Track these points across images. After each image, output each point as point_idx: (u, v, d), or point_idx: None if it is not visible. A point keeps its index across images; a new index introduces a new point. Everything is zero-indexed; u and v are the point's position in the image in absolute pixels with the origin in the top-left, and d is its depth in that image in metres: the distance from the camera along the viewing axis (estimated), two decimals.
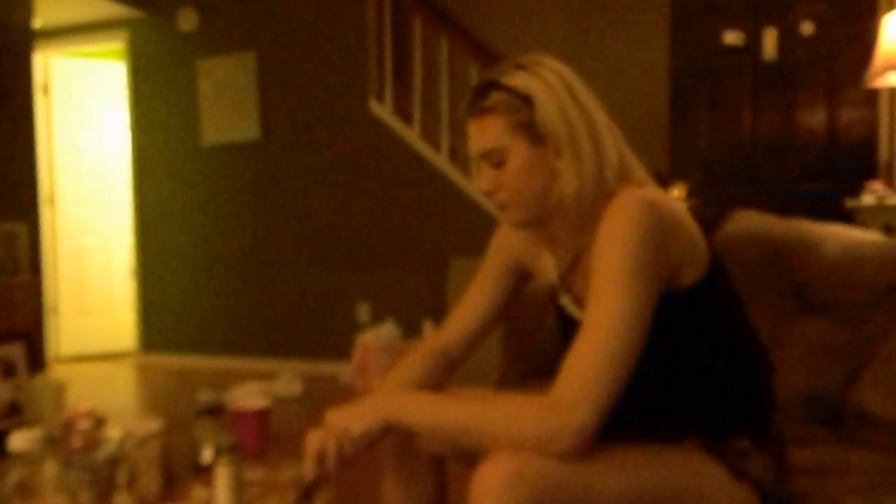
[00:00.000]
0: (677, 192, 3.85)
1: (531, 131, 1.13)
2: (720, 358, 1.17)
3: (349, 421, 1.14)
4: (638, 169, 1.19)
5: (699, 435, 1.15)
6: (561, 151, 1.13)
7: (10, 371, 3.39)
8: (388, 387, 1.35)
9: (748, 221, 2.01)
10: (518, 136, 1.13)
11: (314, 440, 1.15)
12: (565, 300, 1.29)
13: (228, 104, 4.83)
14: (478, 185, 1.20)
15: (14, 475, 0.93)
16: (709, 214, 2.12)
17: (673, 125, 4.11)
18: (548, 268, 1.32)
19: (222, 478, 0.87)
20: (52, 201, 5.29)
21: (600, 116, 1.16)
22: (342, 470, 1.13)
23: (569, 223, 1.19)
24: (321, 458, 1.14)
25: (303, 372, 4.47)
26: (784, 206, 2.69)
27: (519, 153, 1.14)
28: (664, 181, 3.72)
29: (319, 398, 4.00)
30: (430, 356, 1.39)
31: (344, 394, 3.98)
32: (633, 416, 1.10)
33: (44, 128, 5.20)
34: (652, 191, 1.12)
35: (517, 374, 1.88)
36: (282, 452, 1.45)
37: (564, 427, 0.98)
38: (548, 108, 1.12)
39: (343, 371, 4.21)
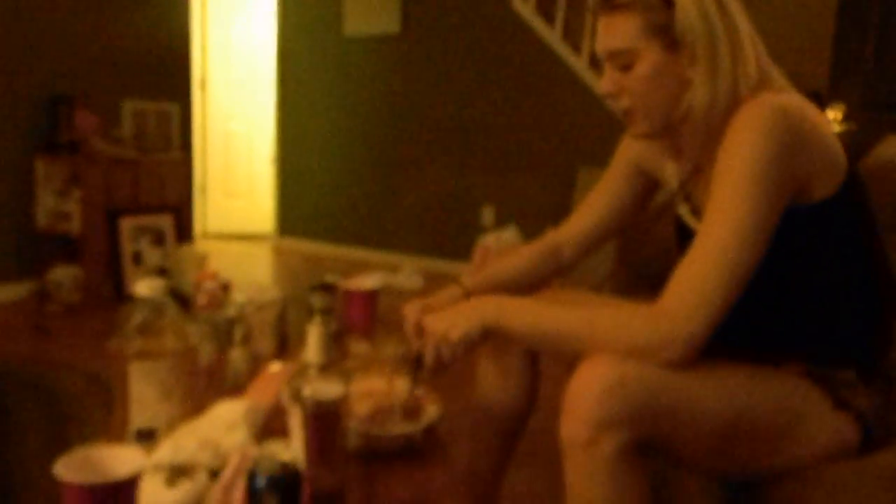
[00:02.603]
0: (833, 115, 3.55)
1: (666, 35, 1.05)
2: (840, 284, 1.10)
3: (448, 326, 1.11)
4: (778, 79, 1.10)
5: (804, 360, 1.10)
6: (696, 61, 1.05)
7: (159, 240, 3.71)
8: (489, 275, 1.36)
9: None
10: (651, 39, 1.06)
11: (410, 313, 1.18)
12: (683, 210, 1.24)
13: None
14: (601, 85, 1.15)
15: (138, 316, 1.03)
16: (862, 139, 1.95)
17: (838, 40, 3.74)
18: (670, 175, 1.27)
19: (313, 335, 0.94)
20: (203, 86, 5.59)
21: (744, 25, 1.06)
22: (440, 372, 1.13)
23: (695, 133, 1.12)
24: (419, 330, 1.16)
25: (425, 268, 4.60)
26: None
27: (649, 58, 1.06)
28: (820, 101, 3.43)
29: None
30: (544, 251, 1.39)
31: None
32: (739, 334, 1.07)
33: (198, 14, 5.45)
34: (788, 97, 1.03)
35: (623, 282, 1.85)
36: (388, 334, 1.51)
37: (673, 336, 0.95)
38: (689, 11, 1.03)
39: (463, 271, 4.30)
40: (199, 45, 5.50)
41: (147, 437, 1.05)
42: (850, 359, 1.11)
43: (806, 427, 1.06)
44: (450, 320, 1.12)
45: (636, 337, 0.97)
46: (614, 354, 0.97)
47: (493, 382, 1.44)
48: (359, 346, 1.51)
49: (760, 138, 0.98)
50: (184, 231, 3.91)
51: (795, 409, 1.06)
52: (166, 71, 4.28)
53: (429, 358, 1.12)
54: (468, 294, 1.36)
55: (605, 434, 0.93)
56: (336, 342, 1.34)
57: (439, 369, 1.14)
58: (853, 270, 1.10)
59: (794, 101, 1.03)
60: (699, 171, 1.19)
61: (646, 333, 0.97)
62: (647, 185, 1.35)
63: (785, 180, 0.99)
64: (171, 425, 1.06)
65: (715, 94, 1.05)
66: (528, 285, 1.37)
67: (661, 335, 0.96)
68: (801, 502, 1.04)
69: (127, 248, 3.55)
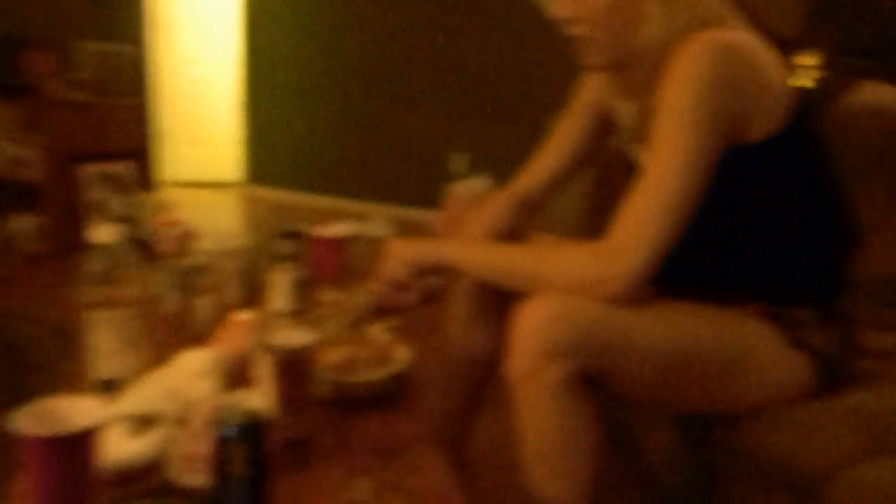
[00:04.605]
0: (807, 61, 3.53)
1: None
2: (793, 222, 1.10)
3: (406, 249, 1.20)
4: (734, 21, 1.08)
5: (759, 300, 1.10)
6: None
7: (122, 187, 3.60)
8: (468, 237, 1.36)
9: (875, 94, 1.84)
10: None
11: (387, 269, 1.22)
12: (637, 149, 1.23)
13: None
14: (556, 9, 1.11)
15: (96, 264, 0.99)
16: (836, 85, 1.94)
17: None
18: (626, 115, 1.26)
19: (279, 282, 0.91)
20: (161, 27, 5.38)
21: None
22: (393, 293, 1.22)
23: (647, 70, 1.11)
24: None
25: (397, 217, 4.56)
26: None
27: None
28: (789, 46, 3.41)
29: None
30: (509, 203, 1.39)
31: None
32: (693, 275, 1.08)
33: None
34: (734, 34, 1.02)
35: (597, 230, 1.84)
36: (356, 282, 1.49)
37: (614, 271, 0.97)
38: None
39: (433, 220, 4.27)
40: None
41: (109, 388, 1.03)
42: (807, 297, 1.11)
43: (756, 365, 1.07)
44: (411, 246, 1.21)
45: (581, 271, 0.99)
46: (556, 292, 0.98)
47: (464, 328, 1.44)
48: (326, 294, 1.49)
49: (697, 74, 0.98)
50: (145, 179, 3.80)
51: (746, 346, 1.07)
52: (117, 11, 4.11)
53: (380, 272, 1.21)
54: None
55: (549, 364, 0.94)
56: (305, 291, 1.32)
57: (391, 286, 1.22)
58: (807, 209, 1.11)
59: (740, 37, 1.02)
60: (652, 110, 1.18)
61: (590, 267, 0.98)
62: (606, 121, 1.34)
63: (721, 114, 0.99)
64: (135, 375, 1.03)
65: (670, 27, 1.04)
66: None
67: (605, 269, 0.97)
68: (761, 443, 1.05)
69: (89, 195, 3.45)
